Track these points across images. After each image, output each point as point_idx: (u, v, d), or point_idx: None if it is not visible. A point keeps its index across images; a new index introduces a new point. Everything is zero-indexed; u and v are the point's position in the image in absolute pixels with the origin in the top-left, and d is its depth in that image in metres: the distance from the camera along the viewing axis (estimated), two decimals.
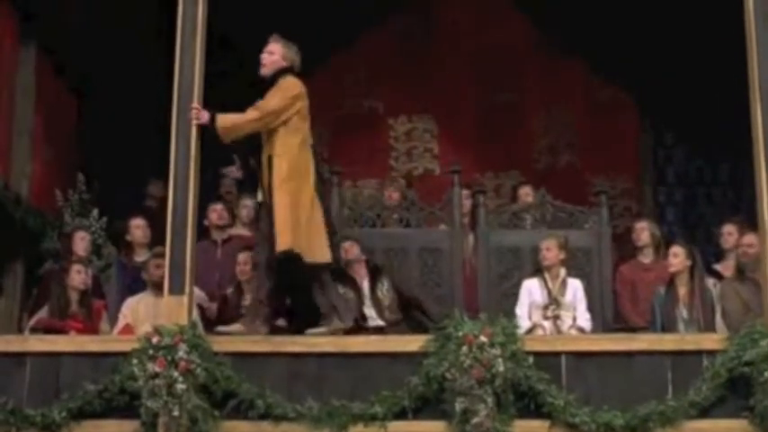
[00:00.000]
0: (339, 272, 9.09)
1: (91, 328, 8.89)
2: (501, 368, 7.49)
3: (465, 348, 7.55)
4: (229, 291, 9.15)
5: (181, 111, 8.18)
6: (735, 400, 7.66)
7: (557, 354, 7.85)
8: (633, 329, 8.86)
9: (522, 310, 8.85)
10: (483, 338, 7.56)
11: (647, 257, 9.59)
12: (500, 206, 10.73)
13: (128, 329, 8.84)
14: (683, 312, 8.74)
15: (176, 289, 7.93)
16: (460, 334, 7.62)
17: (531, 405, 7.68)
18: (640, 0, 11.25)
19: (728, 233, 9.44)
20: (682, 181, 12.23)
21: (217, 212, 9.80)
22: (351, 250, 9.12)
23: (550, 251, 8.91)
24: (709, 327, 8.64)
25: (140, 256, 9.53)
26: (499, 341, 7.58)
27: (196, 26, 8.32)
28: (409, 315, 9.03)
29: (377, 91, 12.45)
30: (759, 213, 7.95)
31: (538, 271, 9.04)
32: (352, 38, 12.34)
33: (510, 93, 12.33)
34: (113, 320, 9.09)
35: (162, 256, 9.02)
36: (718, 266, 9.37)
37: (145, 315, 8.86)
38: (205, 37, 8.35)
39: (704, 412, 7.64)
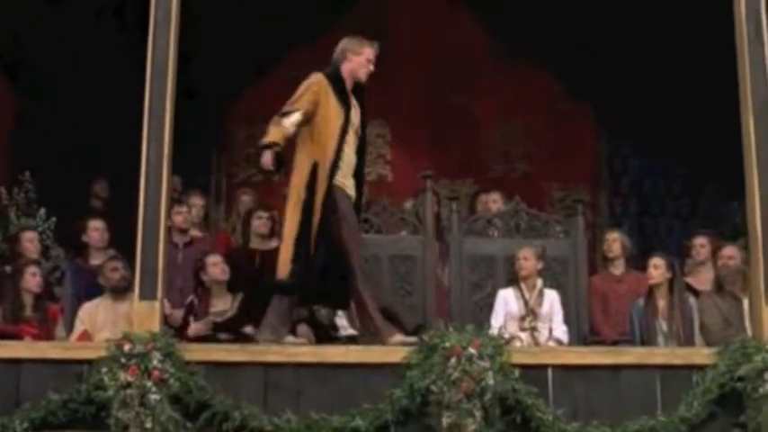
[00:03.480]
0: None
1: (46, 334, 8.48)
2: (491, 381, 7.22)
3: (453, 360, 7.26)
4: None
5: (153, 106, 7.79)
6: (725, 417, 7.46)
7: (543, 367, 7.59)
8: (614, 343, 8.68)
9: (497, 320, 8.61)
10: (472, 350, 7.28)
11: (617, 269, 9.42)
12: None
13: (85, 336, 8.46)
14: (662, 325, 8.59)
15: (147, 294, 7.52)
16: (447, 345, 7.32)
17: (517, 419, 7.39)
18: (600, 10, 11.10)
19: (701, 245, 9.33)
20: (637, 191, 12.12)
21: (182, 215, 9.43)
22: None
23: (528, 261, 8.69)
24: (689, 340, 8.52)
25: (96, 260, 9.14)
26: (488, 353, 7.31)
27: (170, 16, 7.92)
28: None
29: None
30: (750, 226, 7.76)
31: (512, 281, 8.81)
32: (305, 39, 12.02)
33: (466, 100, 12.11)
34: (69, 326, 8.67)
35: (117, 259, 8.72)
36: (689, 279, 9.20)
37: (103, 321, 8.54)
38: (179, 28, 7.97)
39: (695, 428, 7.42)
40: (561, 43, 11.54)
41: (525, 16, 11.46)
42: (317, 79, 8.16)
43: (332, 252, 7.90)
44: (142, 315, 7.51)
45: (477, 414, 7.21)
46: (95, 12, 10.59)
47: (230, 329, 8.48)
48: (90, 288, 8.89)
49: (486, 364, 7.26)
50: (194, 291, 8.83)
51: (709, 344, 8.30)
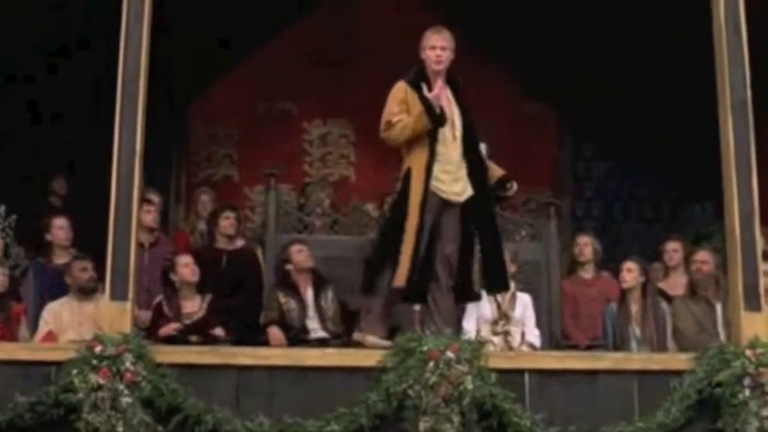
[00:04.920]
0: (282, 280, 8.70)
1: (9, 334, 8.26)
2: (469, 386, 7.12)
3: (431, 365, 7.15)
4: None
5: (125, 102, 7.62)
6: (702, 423, 7.42)
7: (520, 371, 7.50)
8: (587, 348, 8.63)
9: (469, 324, 8.51)
10: (450, 354, 7.18)
11: (588, 273, 9.36)
12: None
13: (50, 336, 8.25)
14: (635, 330, 8.55)
15: (119, 295, 7.36)
16: (425, 349, 7.22)
17: (494, 424, 7.30)
18: (565, 12, 11.06)
19: (674, 250, 9.28)
20: (600, 195, 12.09)
21: (151, 214, 9.25)
22: (298, 256, 8.68)
23: None
24: (662, 345, 8.48)
25: (60, 259, 8.92)
26: (466, 357, 7.21)
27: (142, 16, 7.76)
28: (352, 327, 8.60)
29: (291, 93, 11.99)
30: (728, 230, 7.72)
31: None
32: (268, 36, 11.91)
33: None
34: (32, 326, 8.47)
35: (85, 258, 8.54)
36: (661, 284, 9.16)
37: (69, 321, 8.31)
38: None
39: None
40: (525, 45, 11.48)
41: (489, 18, 11.38)
42: (398, 87, 8.06)
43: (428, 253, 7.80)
44: (113, 316, 7.34)
45: (455, 419, 7.12)
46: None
47: (200, 331, 8.31)
48: (54, 288, 8.68)
49: (464, 368, 7.17)
50: (163, 291, 8.63)
51: (682, 349, 8.29)
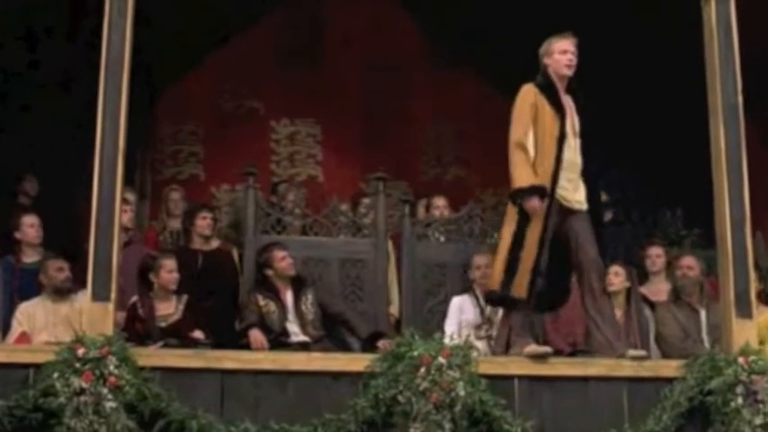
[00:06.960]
0: (260, 282, 8.51)
1: None
2: (462, 392, 6.99)
3: (423, 370, 7.01)
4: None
5: (108, 97, 7.41)
6: (693, 431, 7.36)
7: (509, 377, 7.39)
8: (571, 354, 8.50)
9: (451, 328, 8.37)
10: (441, 360, 7.05)
11: None
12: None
13: (24, 338, 8.02)
14: None
15: (101, 295, 7.13)
16: (415, 354, 7.08)
17: (484, 431, 7.19)
18: (540, 12, 10.95)
19: (657, 255, 9.19)
20: None
21: (128, 214, 9.02)
22: (281, 263, 8.50)
23: (489, 268, 8.45)
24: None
25: (30, 257, 8.66)
26: (457, 363, 7.08)
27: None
28: (333, 331, 8.45)
29: (258, 90, 11.82)
30: (719, 237, 7.65)
31: (468, 288, 8.59)
32: (234, 33, 11.72)
33: (399, 101, 11.87)
34: (2, 326, 8.23)
35: (59, 258, 8.32)
36: (642, 290, 9.07)
37: (43, 322, 8.10)
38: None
39: None
40: (498, 46, 11.37)
41: (461, 18, 11.28)
42: (528, 91, 7.84)
43: (555, 258, 7.67)
44: (95, 317, 7.12)
45: (447, 426, 7.00)
46: None
47: (176, 334, 8.10)
48: (24, 287, 8.45)
49: (455, 374, 7.05)
50: (138, 291, 8.39)
51: (666, 355, 8.26)
